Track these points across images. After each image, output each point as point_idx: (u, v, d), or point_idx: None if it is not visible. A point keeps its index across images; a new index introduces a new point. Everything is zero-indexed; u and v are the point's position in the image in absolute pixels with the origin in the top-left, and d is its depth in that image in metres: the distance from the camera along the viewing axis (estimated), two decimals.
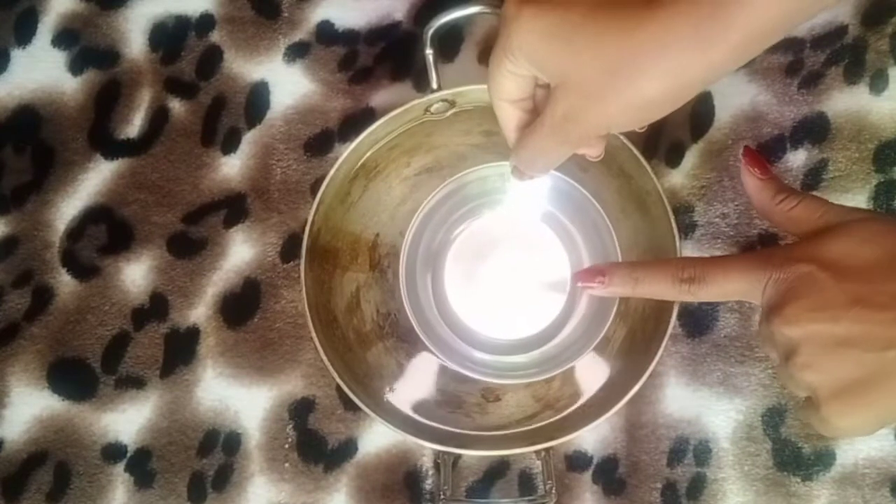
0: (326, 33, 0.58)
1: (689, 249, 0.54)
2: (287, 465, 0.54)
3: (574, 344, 0.50)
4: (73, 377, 0.55)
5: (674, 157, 0.55)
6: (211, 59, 0.58)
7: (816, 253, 0.37)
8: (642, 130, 0.39)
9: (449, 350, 0.50)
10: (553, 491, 0.48)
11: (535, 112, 0.40)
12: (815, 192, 0.50)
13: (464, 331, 0.52)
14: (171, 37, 0.59)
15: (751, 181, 0.41)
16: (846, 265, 0.36)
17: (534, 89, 0.39)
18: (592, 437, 0.53)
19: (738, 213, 0.54)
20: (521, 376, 0.50)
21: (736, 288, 0.39)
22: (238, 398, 0.55)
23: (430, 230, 0.52)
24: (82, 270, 0.56)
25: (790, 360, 0.36)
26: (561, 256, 0.52)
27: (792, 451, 0.52)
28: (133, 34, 0.59)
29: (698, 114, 0.55)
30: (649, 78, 0.33)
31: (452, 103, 0.52)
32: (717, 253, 0.54)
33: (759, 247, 0.54)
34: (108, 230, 0.57)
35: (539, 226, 0.53)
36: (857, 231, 0.37)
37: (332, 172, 0.50)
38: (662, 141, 0.56)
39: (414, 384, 0.53)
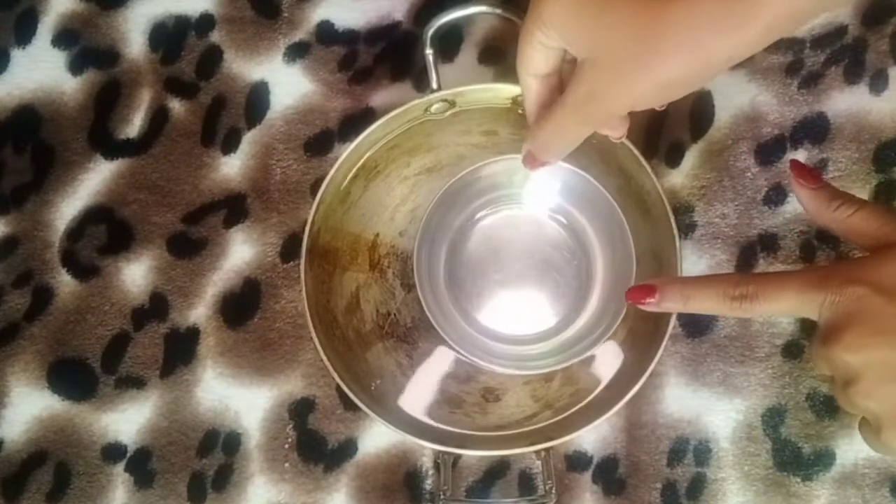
0: (326, 33, 0.58)
1: (688, 249, 0.54)
2: (287, 465, 0.54)
3: (587, 336, 0.50)
4: (73, 377, 0.55)
5: (674, 157, 0.55)
6: (211, 59, 0.58)
7: (873, 275, 0.36)
8: (662, 108, 0.39)
9: (461, 341, 0.50)
10: (553, 491, 0.48)
11: (558, 91, 0.40)
12: None
13: (475, 323, 0.52)
14: (171, 37, 0.59)
15: (803, 192, 0.40)
16: None
17: (561, 64, 0.39)
18: (592, 437, 0.53)
19: (738, 213, 0.54)
20: (531, 367, 0.50)
21: (790, 306, 0.38)
22: (238, 398, 0.54)
23: (446, 222, 0.52)
24: (82, 270, 0.56)
25: (851, 388, 0.36)
26: (573, 250, 0.52)
27: (792, 451, 0.52)
28: (133, 34, 0.59)
29: (698, 114, 0.55)
30: (678, 56, 0.32)
31: (452, 103, 0.52)
32: (717, 253, 0.54)
33: (758, 247, 0.53)
34: (108, 230, 0.57)
35: (551, 220, 0.53)
36: None
37: (332, 172, 0.50)
38: (662, 141, 0.55)
39: (414, 384, 0.53)
